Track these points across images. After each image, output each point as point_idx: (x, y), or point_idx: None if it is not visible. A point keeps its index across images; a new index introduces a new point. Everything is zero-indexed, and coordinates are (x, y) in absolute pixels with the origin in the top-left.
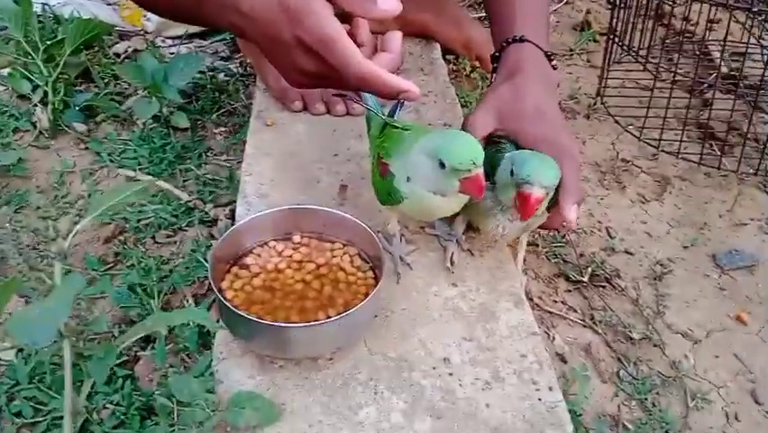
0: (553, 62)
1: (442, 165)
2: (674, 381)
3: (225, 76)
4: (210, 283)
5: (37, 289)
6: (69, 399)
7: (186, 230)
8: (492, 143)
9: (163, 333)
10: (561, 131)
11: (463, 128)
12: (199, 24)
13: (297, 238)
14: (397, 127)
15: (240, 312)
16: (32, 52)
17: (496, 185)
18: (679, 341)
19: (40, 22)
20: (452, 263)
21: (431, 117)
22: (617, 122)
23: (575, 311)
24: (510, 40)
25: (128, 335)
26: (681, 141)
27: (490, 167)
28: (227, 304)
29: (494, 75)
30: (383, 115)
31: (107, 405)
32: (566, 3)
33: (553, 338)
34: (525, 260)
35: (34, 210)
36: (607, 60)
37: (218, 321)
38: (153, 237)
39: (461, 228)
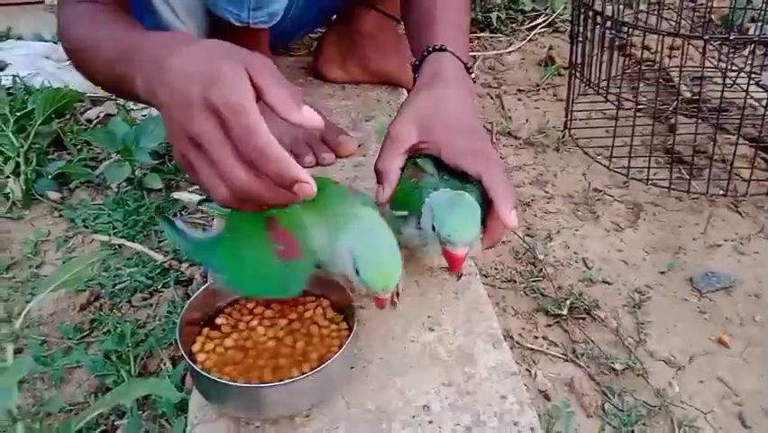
0: (472, 74)
1: (357, 272)
2: (660, 409)
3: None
4: (179, 347)
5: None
6: None
7: (162, 291)
8: (413, 163)
9: (129, 406)
10: (481, 140)
11: (384, 144)
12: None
13: None
14: None
15: (210, 376)
16: (1, 125)
17: (422, 229)
18: (662, 368)
19: (9, 94)
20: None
21: None
22: (585, 153)
23: (556, 346)
24: (431, 48)
25: (86, 412)
26: (649, 167)
27: (411, 201)
28: (197, 369)
29: (414, 83)
30: None
31: None
32: (530, 40)
33: (535, 375)
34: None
35: (8, 281)
36: (570, 94)
37: (191, 387)
38: (129, 301)
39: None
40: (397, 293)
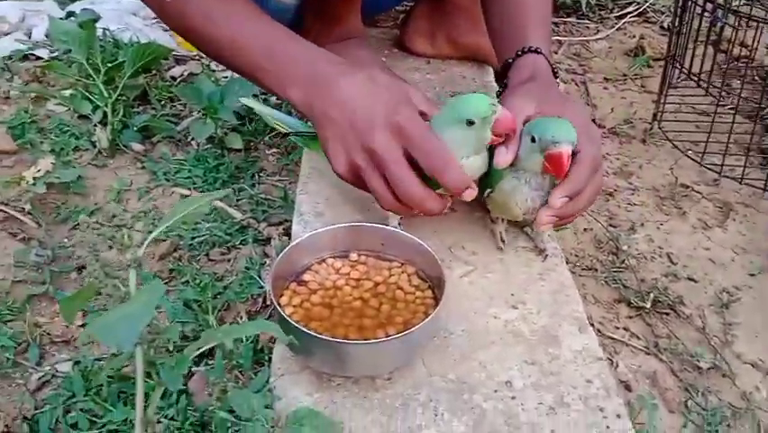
0: (558, 80)
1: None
2: (746, 412)
3: (278, 99)
4: (270, 297)
5: (113, 296)
6: (141, 406)
7: (239, 248)
8: None
9: (229, 346)
10: (586, 117)
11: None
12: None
13: (354, 256)
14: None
15: (300, 327)
16: (93, 75)
17: (514, 163)
18: (749, 371)
19: (101, 46)
20: (503, 242)
21: None
22: (675, 146)
23: (638, 338)
24: (525, 49)
25: (197, 344)
26: (745, 166)
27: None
28: (288, 318)
29: (505, 81)
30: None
31: (161, 419)
32: (618, 29)
33: (617, 365)
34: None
35: (91, 226)
36: (665, 85)
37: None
38: (207, 255)
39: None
40: (502, 235)
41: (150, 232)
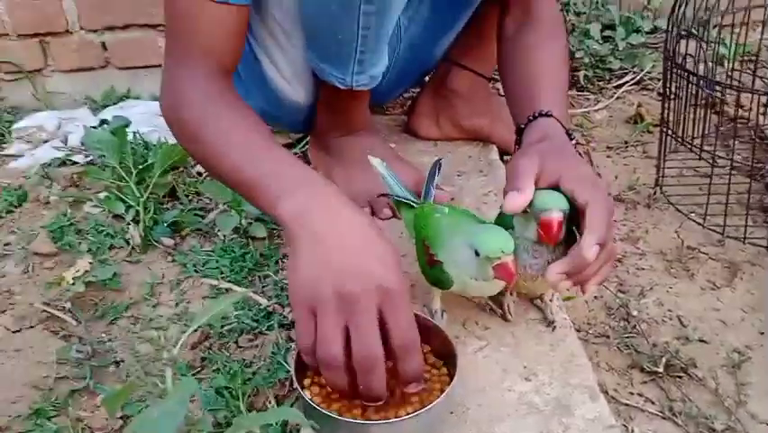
0: (574, 141)
1: (477, 253)
2: None
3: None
4: (293, 382)
5: (152, 392)
6: None
7: (266, 334)
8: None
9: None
10: (590, 169)
11: (511, 173)
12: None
13: None
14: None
15: (323, 409)
16: (125, 177)
17: (514, 229)
18: (764, 431)
19: (132, 148)
20: (510, 314)
21: (492, 215)
22: (678, 210)
23: (653, 403)
24: (537, 114)
25: (233, 429)
26: (746, 225)
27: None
28: (310, 401)
29: (516, 147)
30: (410, 196)
31: None
32: (617, 98)
33: (632, 431)
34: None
35: (128, 321)
36: (662, 151)
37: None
38: (236, 342)
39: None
40: (509, 308)
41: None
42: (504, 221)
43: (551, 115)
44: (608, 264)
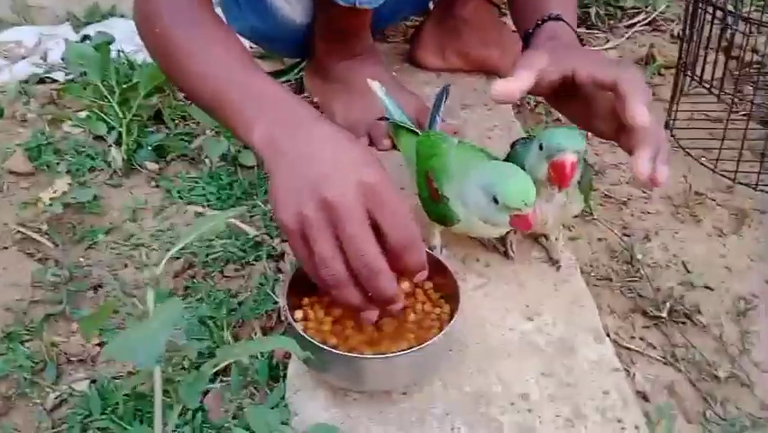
0: (585, 46)
1: (495, 200)
2: (766, 422)
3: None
4: (284, 313)
5: (132, 315)
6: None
7: (253, 264)
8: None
9: (245, 362)
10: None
11: (513, 67)
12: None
13: None
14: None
15: (316, 342)
16: (108, 96)
17: (526, 168)
18: None
19: (115, 68)
20: (513, 251)
21: (498, 151)
22: (688, 154)
23: (654, 348)
24: (546, 17)
25: (214, 361)
26: (759, 173)
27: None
28: (302, 334)
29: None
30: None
31: None
32: (628, 38)
33: (633, 375)
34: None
35: (108, 246)
36: (676, 92)
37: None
38: (222, 271)
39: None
40: (512, 245)
41: (167, 250)
42: (515, 159)
43: (561, 19)
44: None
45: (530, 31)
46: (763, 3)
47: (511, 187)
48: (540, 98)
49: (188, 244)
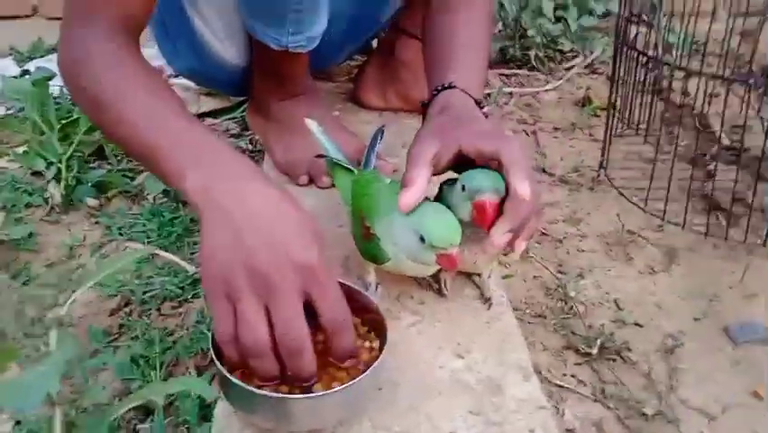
0: (484, 109)
1: (422, 239)
2: None
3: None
4: (210, 354)
5: (31, 356)
6: None
7: (191, 302)
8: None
9: (161, 403)
10: (494, 125)
11: (408, 162)
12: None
13: None
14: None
15: (240, 383)
16: (47, 131)
17: (451, 208)
18: (694, 417)
19: (56, 102)
20: (446, 289)
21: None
22: (621, 193)
23: (585, 385)
24: (440, 87)
25: (123, 403)
26: (686, 212)
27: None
28: (226, 374)
29: (423, 120)
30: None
31: None
32: (567, 80)
33: (563, 413)
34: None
35: (40, 283)
36: (608, 134)
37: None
38: (159, 309)
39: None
40: (446, 283)
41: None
42: (444, 199)
43: (454, 87)
44: (537, 216)
45: (426, 102)
46: (688, 47)
47: (436, 227)
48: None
49: (126, 281)
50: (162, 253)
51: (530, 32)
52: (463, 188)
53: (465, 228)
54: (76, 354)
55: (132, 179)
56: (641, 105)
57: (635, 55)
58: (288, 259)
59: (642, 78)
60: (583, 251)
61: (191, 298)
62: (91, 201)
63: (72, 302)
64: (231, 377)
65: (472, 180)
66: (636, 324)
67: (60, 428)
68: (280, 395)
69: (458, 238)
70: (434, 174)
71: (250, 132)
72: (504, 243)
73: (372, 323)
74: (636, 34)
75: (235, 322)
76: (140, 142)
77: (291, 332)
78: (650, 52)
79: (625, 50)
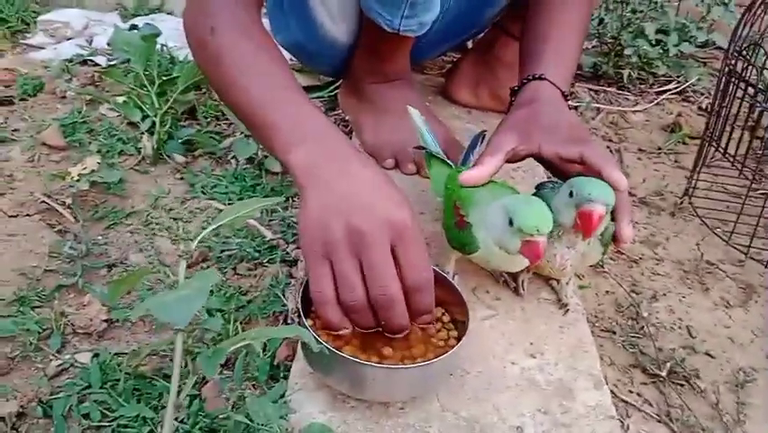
0: (569, 102)
1: (511, 222)
2: None
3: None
4: (293, 314)
5: (163, 282)
6: (175, 389)
7: (266, 266)
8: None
9: (258, 348)
10: (577, 129)
11: (486, 148)
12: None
13: None
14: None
15: (323, 342)
16: (147, 85)
17: (551, 210)
18: None
19: (158, 60)
20: (523, 289)
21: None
22: (704, 223)
23: (651, 405)
24: (530, 77)
25: (232, 341)
26: None
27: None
28: (313, 333)
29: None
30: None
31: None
32: (657, 104)
33: (627, 428)
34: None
35: (126, 228)
36: (699, 162)
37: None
38: (234, 268)
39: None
40: (523, 283)
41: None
42: (542, 199)
43: (544, 78)
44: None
45: (516, 88)
46: None
47: (526, 211)
48: None
49: (205, 238)
50: (260, 226)
51: (627, 51)
52: (571, 194)
53: (564, 232)
54: (216, 281)
55: (220, 141)
56: (738, 139)
57: (744, 87)
58: (381, 216)
59: (745, 112)
60: (658, 274)
61: (266, 262)
62: (179, 157)
63: (182, 249)
64: (315, 334)
65: (584, 188)
66: (708, 354)
67: (181, 350)
68: (358, 360)
69: (545, 227)
70: (508, 162)
71: (335, 111)
72: (632, 235)
73: (454, 312)
74: (745, 67)
75: (332, 282)
76: (252, 108)
77: (384, 289)
78: (760, 84)
79: (733, 80)
